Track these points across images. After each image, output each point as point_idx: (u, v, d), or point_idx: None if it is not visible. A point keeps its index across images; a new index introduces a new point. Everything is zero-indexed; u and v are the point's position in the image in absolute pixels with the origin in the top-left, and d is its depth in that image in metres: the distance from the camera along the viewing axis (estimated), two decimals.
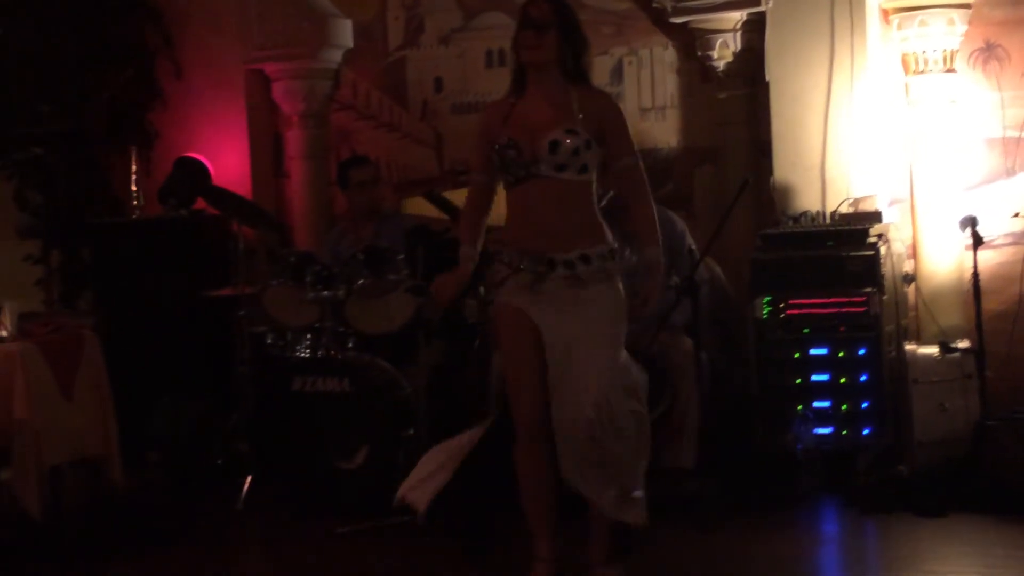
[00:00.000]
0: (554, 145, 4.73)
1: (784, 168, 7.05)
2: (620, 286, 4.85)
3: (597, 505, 4.80)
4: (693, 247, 6.55)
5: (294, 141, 8.35)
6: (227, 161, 8.33)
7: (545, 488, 4.91)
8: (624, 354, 4.84)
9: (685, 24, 7.41)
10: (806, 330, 6.54)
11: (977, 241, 6.48)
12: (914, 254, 6.92)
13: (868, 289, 6.45)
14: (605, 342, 4.76)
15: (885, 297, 6.48)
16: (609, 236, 4.85)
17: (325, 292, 6.61)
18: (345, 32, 8.29)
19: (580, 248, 4.77)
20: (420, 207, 7.65)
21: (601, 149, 4.84)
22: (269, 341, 6.86)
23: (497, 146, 4.82)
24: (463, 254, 5.01)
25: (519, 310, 4.84)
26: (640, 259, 4.96)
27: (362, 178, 7.26)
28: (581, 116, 4.78)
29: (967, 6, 6.80)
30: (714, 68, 7.40)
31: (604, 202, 6.32)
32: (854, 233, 6.56)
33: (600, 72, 7.63)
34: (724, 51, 7.33)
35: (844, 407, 6.47)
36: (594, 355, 4.72)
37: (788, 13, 7.03)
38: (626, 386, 4.81)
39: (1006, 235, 6.87)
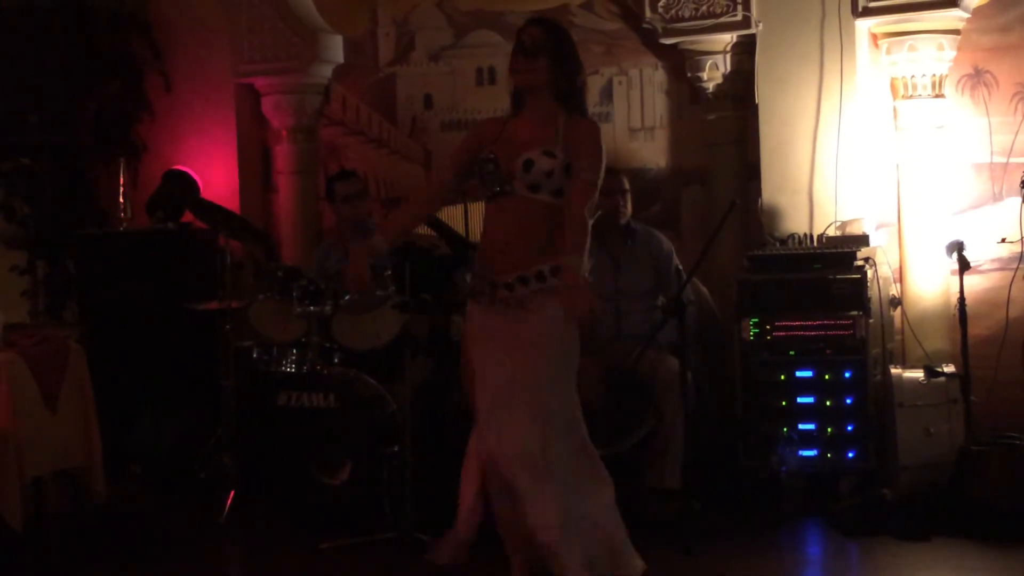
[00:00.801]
0: (528, 164, 4.76)
1: (772, 190, 7.07)
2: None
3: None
4: (680, 267, 6.56)
5: (283, 155, 8.36)
6: (215, 174, 8.34)
7: (517, 516, 4.90)
8: (567, 390, 4.82)
9: (675, 45, 7.43)
10: (792, 352, 6.56)
11: (964, 266, 6.50)
12: (901, 278, 6.93)
13: (854, 312, 6.47)
14: (540, 385, 4.76)
15: (871, 320, 6.50)
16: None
17: (312, 307, 6.60)
18: (335, 47, 8.30)
19: (520, 270, 4.77)
20: None
21: None
22: (255, 355, 6.83)
23: (479, 159, 4.85)
24: (373, 241, 5.02)
25: (475, 323, 4.93)
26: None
27: (348, 191, 7.26)
28: (564, 139, 4.78)
29: (956, 32, 6.83)
30: (703, 89, 7.41)
31: (592, 219, 6.37)
32: (841, 256, 6.58)
33: (590, 92, 7.63)
34: (714, 73, 7.35)
35: (829, 430, 6.49)
36: (526, 403, 4.73)
37: (778, 36, 7.05)
38: (565, 424, 4.81)
39: (993, 260, 6.88)
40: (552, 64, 4.85)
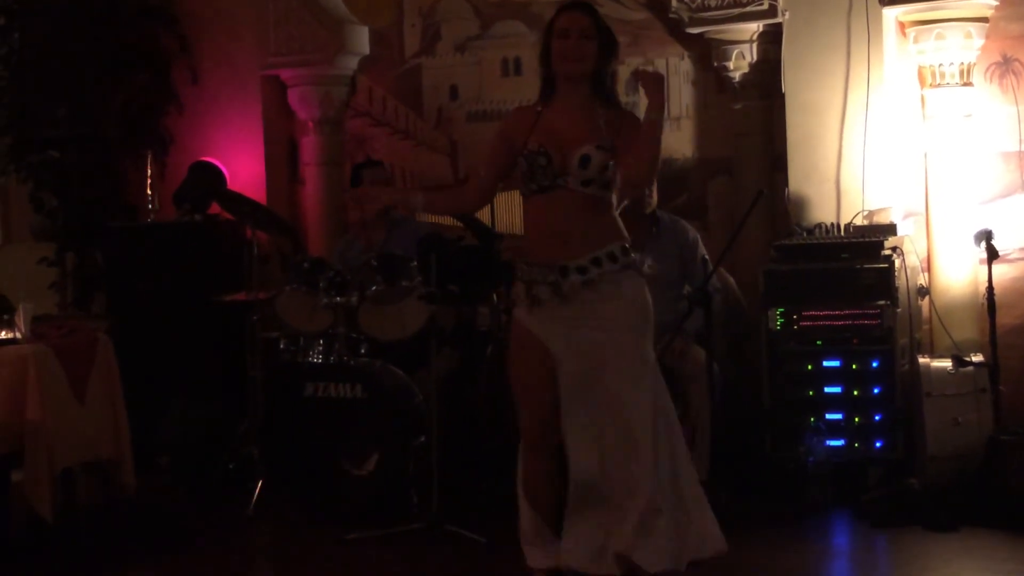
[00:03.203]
0: (585, 160, 4.68)
1: (799, 180, 7.05)
2: (640, 281, 4.77)
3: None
4: (706, 257, 6.55)
5: (309, 147, 8.37)
6: (242, 166, 8.36)
7: (547, 500, 4.88)
8: (647, 367, 4.73)
9: (701, 35, 7.41)
10: (819, 342, 6.54)
11: (992, 255, 6.47)
12: (928, 267, 6.90)
13: (882, 302, 6.45)
14: (633, 365, 4.68)
15: (899, 310, 6.47)
16: (625, 236, 4.79)
17: (338, 298, 6.63)
18: (361, 39, 8.30)
19: (593, 252, 4.71)
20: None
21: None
22: (282, 346, 6.87)
23: (527, 152, 4.75)
24: (410, 193, 5.11)
25: (529, 330, 4.81)
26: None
27: (374, 178, 7.27)
28: (608, 133, 4.71)
29: (984, 20, 6.79)
30: (730, 79, 7.40)
31: (619, 211, 6.36)
32: (868, 245, 6.56)
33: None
34: (740, 62, 7.33)
35: (856, 420, 6.47)
36: (611, 378, 4.67)
37: (805, 25, 7.03)
38: (663, 408, 4.74)
39: (1021, 249, 6.85)
40: (600, 52, 4.78)
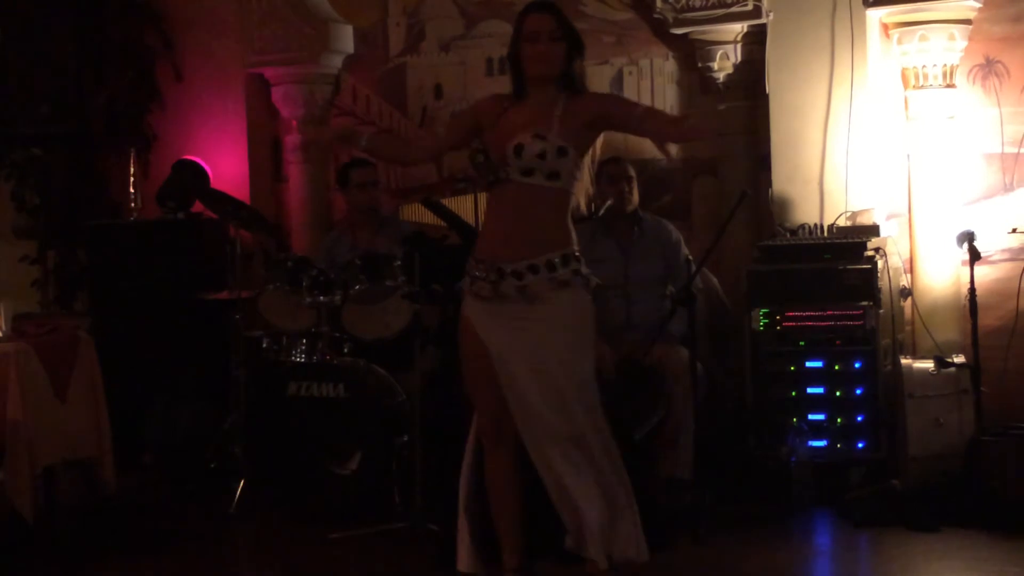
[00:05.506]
0: (518, 149, 4.69)
1: (782, 180, 7.06)
2: (581, 292, 4.75)
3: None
4: (689, 257, 6.55)
5: (293, 145, 8.36)
6: (226, 165, 8.34)
7: (510, 497, 4.87)
8: (588, 368, 4.76)
9: (686, 35, 7.41)
10: (802, 343, 6.56)
11: (974, 256, 6.48)
12: (911, 268, 6.91)
13: (864, 303, 6.46)
14: (564, 359, 4.69)
15: (881, 311, 6.49)
16: (572, 243, 4.76)
17: (322, 297, 6.62)
18: (346, 37, 8.29)
19: (530, 258, 4.70)
20: (418, 213, 7.66)
21: (580, 159, 4.76)
22: (265, 345, 6.85)
23: (469, 153, 4.81)
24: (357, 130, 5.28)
25: (472, 325, 4.80)
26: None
27: (363, 179, 7.26)
28: (561, 122, 4.71)
29: (968, 22, 6.81)
30: (714, 80, 7.40)
31: (603, 211, 6.36)
32: (851, 246, 6.57)
33: (600, 82, 7.64)
34: (724, 63, 7.34)
35: (839, 420, 6.49)
36: (553, 376, 4.67)
37: (789, 26, 7.03)
38: (588, 405, 4.74)
39: (1003, 251, 6.86)
40: (567, 52, 4.80)
